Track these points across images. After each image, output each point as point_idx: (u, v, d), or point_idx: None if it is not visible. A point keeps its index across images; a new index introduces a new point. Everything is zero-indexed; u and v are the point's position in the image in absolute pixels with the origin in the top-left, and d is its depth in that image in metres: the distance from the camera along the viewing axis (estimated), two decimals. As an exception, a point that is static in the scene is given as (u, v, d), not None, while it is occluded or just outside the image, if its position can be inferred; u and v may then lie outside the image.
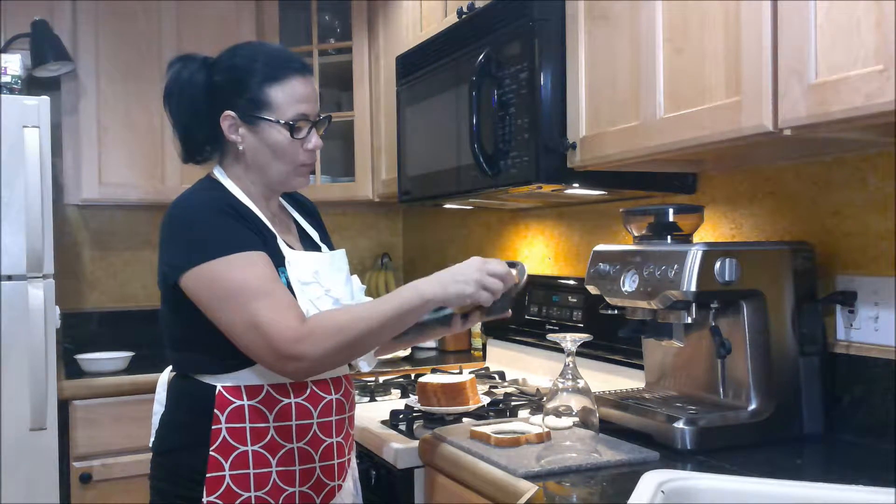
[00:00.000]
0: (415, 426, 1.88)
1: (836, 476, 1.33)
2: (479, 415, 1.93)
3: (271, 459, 1.47)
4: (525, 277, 1.59)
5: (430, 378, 2.00)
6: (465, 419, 1.90)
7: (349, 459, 1.62)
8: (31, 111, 2.62)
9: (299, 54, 1.64)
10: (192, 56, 1.58)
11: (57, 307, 2.65)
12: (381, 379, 2.47)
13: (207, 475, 1.44)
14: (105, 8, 3.05)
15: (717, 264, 1.51)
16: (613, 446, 1.54)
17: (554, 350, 2.37)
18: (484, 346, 2.92)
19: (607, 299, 1.71)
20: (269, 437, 1.47)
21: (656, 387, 1.83)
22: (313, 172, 2.72)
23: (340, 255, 1.67)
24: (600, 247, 1.79)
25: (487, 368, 2.69)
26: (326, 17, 3.33)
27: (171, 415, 1.54)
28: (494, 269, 1.49)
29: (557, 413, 1.54)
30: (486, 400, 2.06)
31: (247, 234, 1.47)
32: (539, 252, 2.68)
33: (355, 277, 1.69)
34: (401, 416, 1.92)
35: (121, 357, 2.91)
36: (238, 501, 1.45)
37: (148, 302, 3.35)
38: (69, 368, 2.88)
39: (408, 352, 3.00)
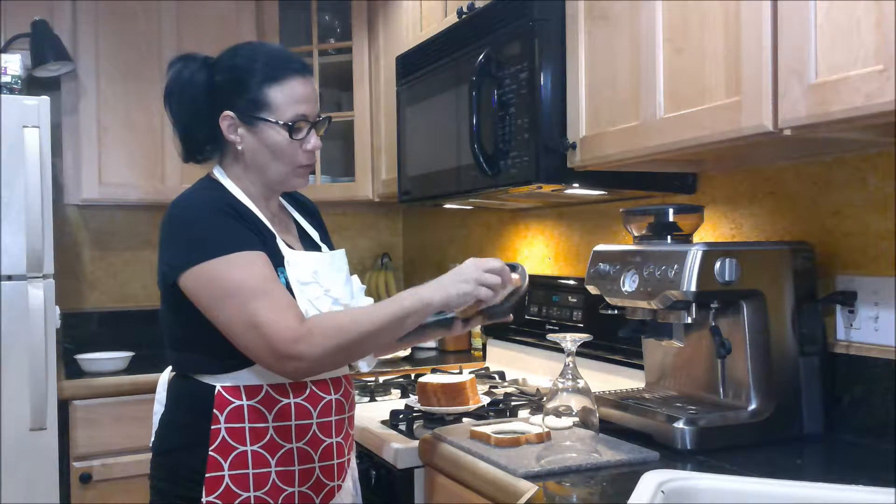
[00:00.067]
0: (415, 426, 1.88)
1: (836, 476, 1.33)
2: (479, 415, 1.93)
3: (270, 459, 1.47)
4: (527, 281, 1.59)
5: (430, 378, 2.00)
6: (465, 419, 1.90)
7: (349, 459, 1.61)
8: (31, 111, 2.62)
9: (299, 55, 1.64)
10: (193, 56, 1.58)
11: (57, 307, 2.65)
12: (381, 379, 2.47)
13: (207, 475, 1.44)
14: (105, 8, 3.05)
15: (717, 264, 1.51)
16: (613, 446, 1.54)
17: (554, 350, 2.37)
18: (484, 346, 2.92)
19: (607, 299, 1.71)
20: (268, 437, 1.47)
21: (656, 387, 1.83)
22: (313, 172, 2.72)
23: (340, 255, 1.67)
24: (600, 247, 1.79)
25: (487, 368, 2.69)
26: (326, 17, 3.34)
27: (170, 415, 1.54)
28: (491, 265, 1.51)
29: (557, 413, 1.54)
30: (486, 400, 2.06)
31: (246, 233, 1.47)
32: (539, 252, 2.68)
33: (355, 277, 1.69)
34: (401, 416, 1.92)
35: (121, 357, 2.91)
36: (237, 501, 1.45)
37: (148, 302, 3.35)
38: (69, 368, 2.88)
39: (408, 352, 3.01)
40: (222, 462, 1.44)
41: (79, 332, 3.19)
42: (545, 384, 2.24)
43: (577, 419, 1.53)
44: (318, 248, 1.67)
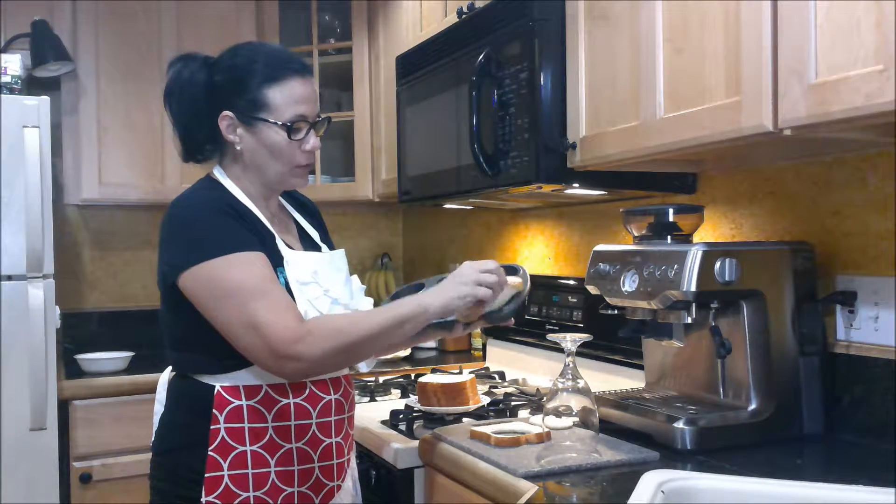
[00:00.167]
0: (415, 426, 1.88)
1: (836, 476, 1.32)
2: (479, 415, 1.93)
3: (270, 459, 1.47)
4: (528, 284, 1.60)
5: (430, 378, 2.00)
6: (465, 419, 1.90)
7: (348, 460, 1.61)
8: (31, 111, 2.62)
9: (299, 55, 1.63)
10: (193, 55, 1.58)
11: (57, 307, 2.65)
12: (381, 379, 2.47)
13: (206, 475, 1.44)
14: (105, 8, 3.05)
15: (717, 264, 1.51)
16: (613, 446, 1.54)
17: (554, 350, 2.37)
18: (484, 346, 2.92)
19: (607, 299, 1.71)
20: (267, 437, 1.47)
21: (656, 387, 1.83)
22: (313, 172, 2.72)
23: (340, 255, 1.67)
24: (600, 247, 1.79)
25: (487, 368, 2.69)
26: (326, 17, 3.33)
27: (170, 415, 1.54)
28: (487, 266, 1.52)
29: (557, 413, 1.54)
30: (486, 400, 2.06)
31: (245, 234, 1.47)
32: (539, 252, 2.68)
33: (355, 277, 1.69)
34: (401, 416, 1.92)
35: (121, 357, 2.91)
36: (237, 501, 1.45)
37: (148, 302, 3.35)
38: (69, 368, 2.88)
39: (408, 352, 3.01)
40: (222, 462, 1.44)
41: (79, 332, 3.19)
42: (545, 384, 2.24)
43: (577, 419, 1.53)
44: (318, 248, 1.67)
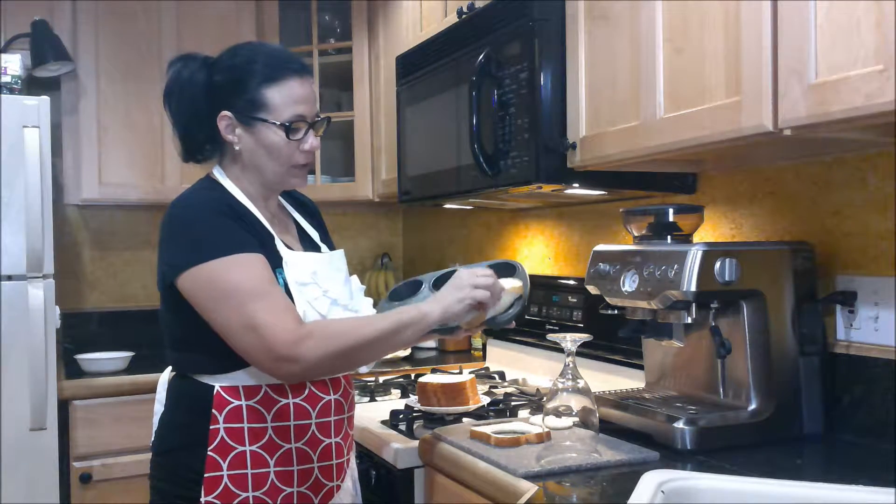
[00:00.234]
0: (415, 426, 1.88)
1: (836, 476, 1.32)
2: (479, 415, 1.93)
3: (269, 460, 1.47)
4: (528, 285, 1.61)
5: (430, 378, 2.00)
6: (465, 419, 1.90)
7: (348, 460, 1.61)
8: (31, 111, 2.62)
9: (299, 55, 1.63)
10: (193, 55, 1.58)
11: (57, 307, 2.65)
12: (381, 379, 2.47)
13: (205, 475, 1.44)
14: (105, 8, 3.05)
15: (717, 264, 1.51)
16: (613, 446, 1.54)
17: (554, 350, 2.37)
18: (484, 346, 2.92)
19: (607, 299, 1.71)
20: (267, 437, 1.47)
21: (656, 387, 1.83)
22: (312, 172, 2.72)
23: (339, 255, 1.67)
24: (600, 247, 1.79)
25: (487, 368, 2.69)
26: (326, 17, 3.33)
27: (170, 415, 1.54)
28: (481, 270, 1.56)
29: (557, 413, 1.54)
30: (486, 400, 2.06)
31: (244, 235, 1.47)
32: (539, 252, 2.68)
33: (354, 278, 1.69)
34: (401, 416, 1.92)
35: (121, 357, 2.91)
36: (236, 501, 1.45)
37: (148, 302, 3.35)
38: (69, 368, 2.88)
39: (408, 352, 3.01)
40: (221, 462, 1.44)
41: (79, 332, 3.19)
42: (545, 384, 2.24)
43: (577, 419, 1.53)
44: (318, 249, 1.67)
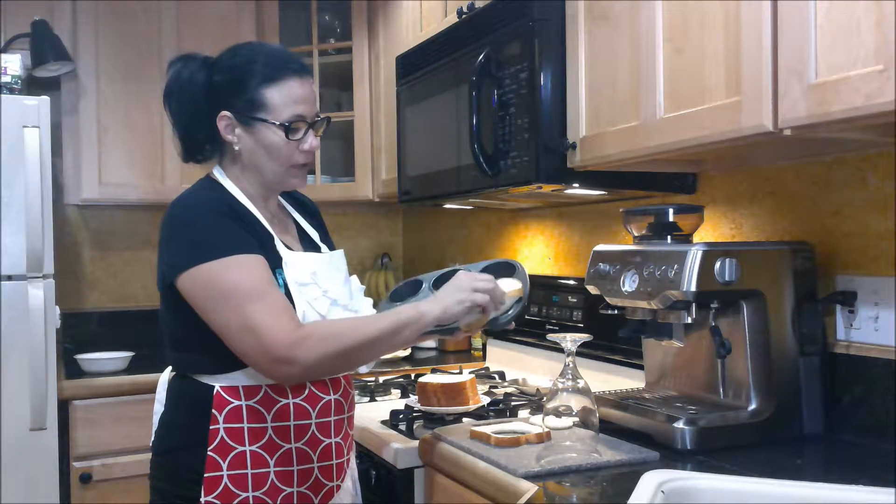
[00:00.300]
0: (415, 426, 1.88)
1: (836, 476, 1.32)
2: (479, 415, 1.93)
3: (269, 460, 1.47)
4: (528, 286, 1.61)
5: (430, 378, 2.00)
6: (465, 419, 1.90)
7: (348, 460, 1.61)
8: (31, 111, 2.62)
9: (299, 55, 1.63)
10: (193, 55, 1.58)
11: (57, 307, 2.65)
12: (381, 379, 2.47)
13: (205, 475, 1.44)
14: (105, 8, 3.05)
15: (717, 264, 1.51)
16: (613, 446, 1.54)
17: (554, 350, 2.37)
18: (484, 346, 2.92)
19: (607, 299, 1.71)
20: (266, 437, 1.47)
21: (656, 387, 1.83)
22: (312, 172, 2.72)
23: (339, 255, 1.67)
24: (600, 247, 1.79)
25: (487, 368, 2.69)
26: (326, 17, 3.33)
27: (170, 415, 1.54)
28: (480, 275, 1.55)
29: (557, 413, 1.54)
30: (486, 400, 2.06)
31: (244, 236, 1.47)
32: (539, 252, 2.68)
33: (354, 278, 1.69)
34: (401, 416, 1.92)
35: (121, 357, 2.91)
36: (236, 501, 1.45)
37: (148, 302, 3.35)
38: (69, 368, 2.88)
39: (408, 352, 3.01)
40: (221, 462, 1.44)
41: (79, 332, 3.19)
42: (545, 384, 2.24)
43: (577, 419, 1.53)
44: (318, 249, 1.67)
